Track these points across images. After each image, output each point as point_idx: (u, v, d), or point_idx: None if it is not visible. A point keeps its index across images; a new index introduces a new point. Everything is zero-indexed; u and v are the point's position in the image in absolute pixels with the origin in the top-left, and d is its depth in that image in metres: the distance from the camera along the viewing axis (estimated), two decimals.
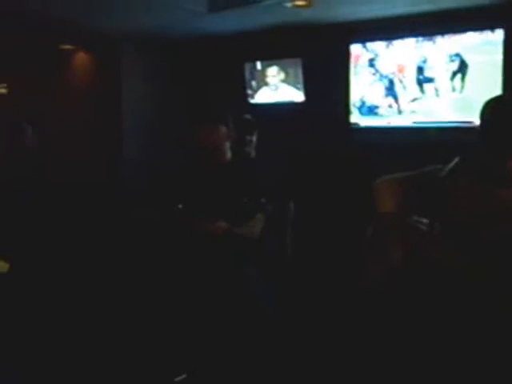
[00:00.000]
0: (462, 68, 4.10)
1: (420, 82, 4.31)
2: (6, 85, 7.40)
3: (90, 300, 3.98)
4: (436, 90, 4.24)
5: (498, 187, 1.63)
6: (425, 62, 4.26)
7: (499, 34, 3.94)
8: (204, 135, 2.76)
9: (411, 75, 4.35)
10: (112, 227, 5.09)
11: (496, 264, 1.60)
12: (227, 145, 2.84)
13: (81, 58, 6.25)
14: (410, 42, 4.34)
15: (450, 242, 1.65)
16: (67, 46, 6.11)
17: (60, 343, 3.40)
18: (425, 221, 1.70)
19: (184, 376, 2.91)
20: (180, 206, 2.68)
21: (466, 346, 1.61)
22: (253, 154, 3.75)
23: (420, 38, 4.28)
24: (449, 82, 4.17)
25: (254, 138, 3.71)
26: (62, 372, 3.13)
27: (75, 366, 3.20)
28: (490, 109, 1.70)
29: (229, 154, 2.87)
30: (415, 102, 4.37)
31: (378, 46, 4.52)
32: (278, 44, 5.11)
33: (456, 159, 1.80)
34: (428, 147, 3.85)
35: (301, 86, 5.06)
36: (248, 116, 3.76)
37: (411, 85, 4.36)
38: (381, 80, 4.52)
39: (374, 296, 1.76)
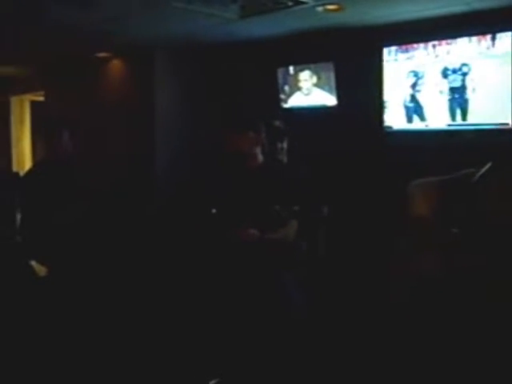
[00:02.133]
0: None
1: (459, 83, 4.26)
2: (43, 92, 7.59)
3: (123, 302, 4.04)
4: (474, 90, 4.18)
5: None
6: (462, 64, 4.21)
7: None
8: (233, 141, 2.80)
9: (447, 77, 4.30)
10: (144, 232, 5.15)
11: None
12: (257, 150, 2.88)
13: (115, 65, 6.36)
14: (442, 45, 4.29)
15: (479, 247, 1.64)
16: (102, 54, 6.22)
17: (87, 343, 3.46)
18: (455, 231, 1.69)
19: (218, 380, 2.94)
20: (214, 211, 2.71)
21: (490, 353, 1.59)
22: (284, 160, 3.77)
23: (454, 40, 4.22)
24: (487, 82, 4.10)
25: (285, 145, 3.72)
26: (83, 370, 3.18)
27: (99, 367, 3.25)
28: None
29: (260, 159, 2.90)
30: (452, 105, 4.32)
31: (416, 50, 4.48)
32: (310, 48, 5.11)
33: (489, 164, 1.79)
34: (464, 150, 3.80)
35: (333, 89, 5.05)
36: (278, 122, 3.78)
37: (445, 87, 4.31)
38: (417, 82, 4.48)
39: (405, 304, 1.76)
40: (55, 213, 3.78)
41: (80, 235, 3.89)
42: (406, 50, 4.50)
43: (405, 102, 4.56)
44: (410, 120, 4.55)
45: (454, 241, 1.73)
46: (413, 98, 4.52)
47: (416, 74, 4.47)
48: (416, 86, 4.49)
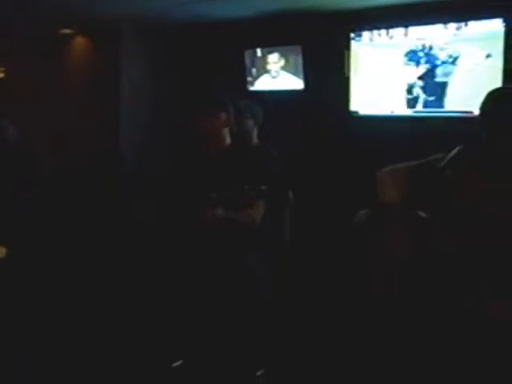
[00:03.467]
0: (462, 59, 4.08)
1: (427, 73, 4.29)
2: (3, 69, 7.37)
3: (86, 287, 3.99)
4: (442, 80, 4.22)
5: (497, 175, 1.64)
6: (426, 49, 4.24)
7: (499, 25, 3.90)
8: (204, 121, 2.76)
9: (416, 64, 4.33)
10: (111, 216, 5.09)
11: (495, 249, 1.61)
12: (226, 131, 2.85)
13: (79, 42, 6.21)
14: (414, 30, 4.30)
15: (449, 230, 1.66)
16: (66, 31, 6.07)
17: (54, 330, 3.41)
18: (424, 215, 1.71)
19: (180, 362, 2.93)
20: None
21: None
22: (254, 141, 3.73)
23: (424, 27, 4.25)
24: (453, 72, 4.15)
25: (254, 126, 3.67)
26: (58, 358, 3.14)
27: (70, 352, 3.21)
28: (493, 100, 1.70)
29: (228, 141, 2.88)
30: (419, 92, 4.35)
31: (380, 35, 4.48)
32: (278, 31, 5.07)
33: (457, 148, 1.81)
34: (430, 137, 3.84)
35: (300, 73, 5.04)
36: (246, 102, 3.72)
37: (415, 75, 4.34)
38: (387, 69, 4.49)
39: (382, 288, 1.77)
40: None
41: (36, 217, 3.83)
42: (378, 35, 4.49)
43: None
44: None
45: (423, 225, 1.74)
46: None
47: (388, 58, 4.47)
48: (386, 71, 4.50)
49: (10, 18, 5.33)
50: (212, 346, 2.85)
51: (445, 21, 4.12)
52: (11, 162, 4.02)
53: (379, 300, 1.79)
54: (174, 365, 2.94)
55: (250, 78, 5.39)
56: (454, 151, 1.84)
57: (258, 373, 2.90)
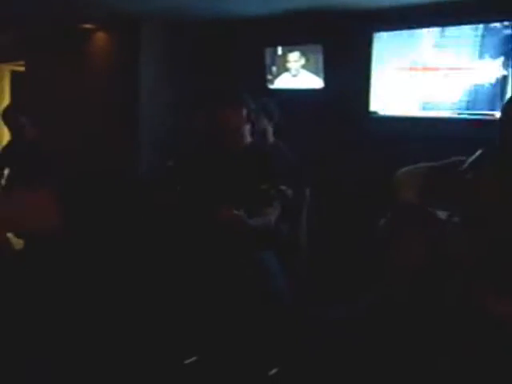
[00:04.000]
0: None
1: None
2: (24, 62, 7.43)
3: (99, 283, 4.01)
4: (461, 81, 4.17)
5: None
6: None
7: None
8: (225, 117, 2.74)
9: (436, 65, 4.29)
10: (130, 212, 5.10)
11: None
12: (247, 128, 2.83)
13: (100, 37, 6.24)
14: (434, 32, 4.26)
15: (468, 234, 1.63)
16: (87, 25, 6.10)
17: (66, 325, 3.44)
18: (443, 215, 1.68)
19: (194, 358, 2.93)
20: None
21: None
22: (271, 140, 3.72)
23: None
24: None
25: (272, 125, 3.66)
26: (73, 353, 3.16)
27: (82, 349, 3.23)
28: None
29: (248, 138, 2.86)
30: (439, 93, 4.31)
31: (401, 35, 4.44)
32: (299, 30, 5.05)
33: (479, 151, 1.78)
34: (450, 139, 3.80)
35: (321, 72, 5.01)
36: (266, 100, 3.70)
37: (435, 76, 4.30)
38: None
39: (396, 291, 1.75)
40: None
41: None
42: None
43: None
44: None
45: (441, 228, 1.72)
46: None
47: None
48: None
49: (32, 12, 5.36)
50: (225, 344, 2.84)
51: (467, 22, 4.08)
52: (29, 161, 4.04)
53: (394, 299, 1.78)
54: (187, 361, 2.94)
55: (269, 76, 5.38)
56: (476, 154, 1.81)
57: (271, 372, 2.89)
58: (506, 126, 1.69)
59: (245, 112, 2.77)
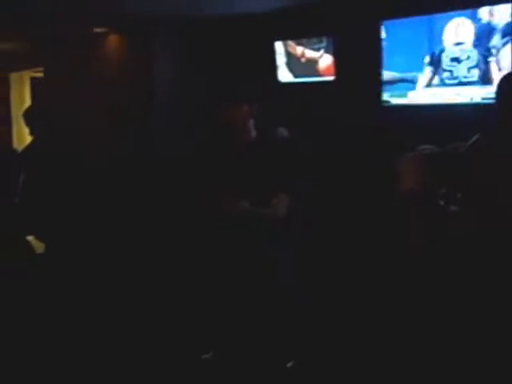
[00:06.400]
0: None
1: (453, 59, 4.20)
2: (43, 68, 7.55)
3: (120, 282, 4.07)
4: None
5: None
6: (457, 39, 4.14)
7: None
8: (225, 116, 2.75)
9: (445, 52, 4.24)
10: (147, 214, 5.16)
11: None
12: (251, 124, 2.83)
13: (113, 40, 6.30)
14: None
15: (470, 211, 1.64)
16: (100, 29, 6.17)
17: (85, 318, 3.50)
18: (451, 192, 1.70)
19: (211, 353, 2.96)
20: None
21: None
22: (282, 134, 3.71)
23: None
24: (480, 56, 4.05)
25: (280, 118, 3.66)
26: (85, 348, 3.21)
27: (98, 342, 3.28)
28: (506, 84, 1.66)
29: (253, 133, 2.86)
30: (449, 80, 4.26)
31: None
32: (308, 22, 5.04)
33: (476, 135, 1.78)
34: (457, 125, 3.76)
35: (332, 64, 5.00)
36: (273, 95, 3.68)
37: (445, 62, 4.26)
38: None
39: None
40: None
41: (79, 212, 3.90)
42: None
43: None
44: None
45: (442, 213, 1.73)
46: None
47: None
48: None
49: (47, 18, 5.43)
50: (242, 337, 2.86)
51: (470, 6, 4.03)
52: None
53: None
54: (204, 356, 2.97)
55: (280, 70, 5.38)
56: (474, 138, 1.81)
57: (289, 364, 2.91)
58: (502, 105, 1.68)
59: (246, 108, 2.77)
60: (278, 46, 5.34)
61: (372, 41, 4.63)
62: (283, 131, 3.73)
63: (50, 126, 4.22)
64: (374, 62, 4.65)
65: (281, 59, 5.36)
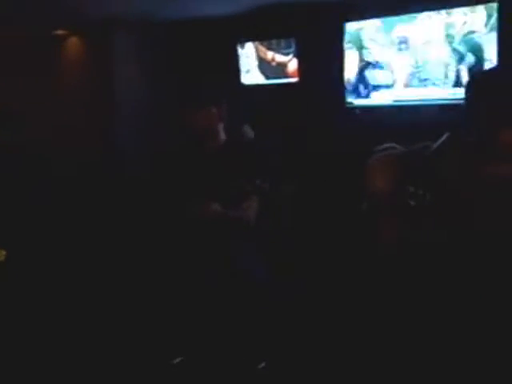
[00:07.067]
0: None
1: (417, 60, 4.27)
2: None
3: (84, 285, 4.00)
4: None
5: (485, 162, 1.62)
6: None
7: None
8: (194, 119, 2.74)
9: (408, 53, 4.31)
10: (109, 216, 5.10)
11: (486, 238, 1.60)
12: (220, 126, 2.82)
13: (73, 42, 6.20)
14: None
15: (439, 217, 1.65)
16: (60, 32, 6.06)
17: (56, 325, 3.42)
18: (419, 192, 1.70)
19: (181, 358, 2.93)
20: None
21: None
22: (249, 135, 3.70)
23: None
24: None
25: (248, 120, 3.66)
26: (59, 357, 3.15)
27: (70, 349, 3.22)
28: (475, 84, 1.68)
29: (222, 136, 2.85)
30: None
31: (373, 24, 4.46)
32: (271, 24, 5.06)
33: (445, 136, 1.79)
34: (421, 125, 3.83)
35: (295, 66, 5.02)
36: (240, 97, 3.69)
37: (407, 62, 4.33)
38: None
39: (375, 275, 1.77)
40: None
41: (42, 219, 3.83)
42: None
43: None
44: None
45: (412, 214, 1.73)
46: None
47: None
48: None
49: (6, 19, 5.32)
50: (212, 339, 2.84)
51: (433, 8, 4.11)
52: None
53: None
54: (174, 361, 2.94)
55: (243, 72, 5.38)
56: (442, 138, 1.82)
57: (260, 366, 2.90)
58: (470, 106, 1.69)
59: (214, 111, 2.75)
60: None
61: (335, 42, 4.67)
62: (249, 131, 3.74)
63: (15, 132, 4.13)
64: (337, 63, 4.70)
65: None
